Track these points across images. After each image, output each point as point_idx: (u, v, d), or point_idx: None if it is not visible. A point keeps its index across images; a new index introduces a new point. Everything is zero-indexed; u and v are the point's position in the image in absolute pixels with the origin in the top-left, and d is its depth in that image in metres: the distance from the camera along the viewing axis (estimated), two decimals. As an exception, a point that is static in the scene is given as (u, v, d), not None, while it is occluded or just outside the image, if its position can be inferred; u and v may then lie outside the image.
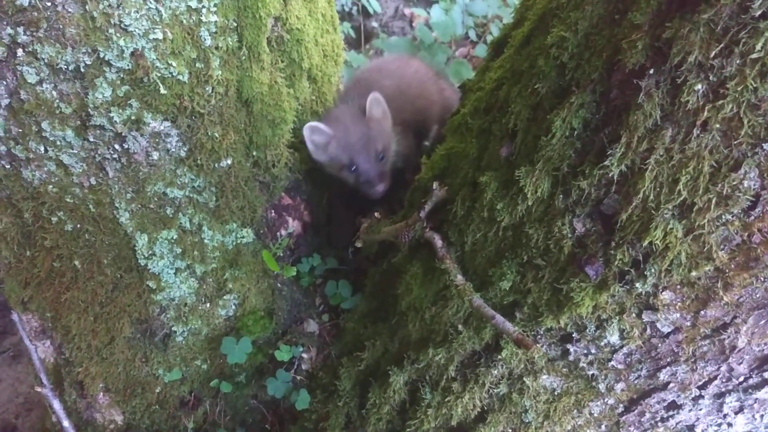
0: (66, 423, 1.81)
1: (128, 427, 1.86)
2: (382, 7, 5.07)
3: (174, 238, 1.53)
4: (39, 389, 1.83)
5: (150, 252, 1.54)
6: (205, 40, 1.31)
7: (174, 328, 1.68)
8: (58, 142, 1.35)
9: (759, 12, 0.76)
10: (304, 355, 1.77)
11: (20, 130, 1.34)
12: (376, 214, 1.61)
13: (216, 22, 1.30)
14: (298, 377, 1.77)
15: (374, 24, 5.03)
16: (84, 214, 1.48)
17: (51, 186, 1.43)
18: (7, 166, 1.42)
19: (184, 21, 1.27)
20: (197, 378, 1.79)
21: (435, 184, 1.38)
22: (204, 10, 1.27)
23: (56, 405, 1.81)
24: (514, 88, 1.17)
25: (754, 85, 0.80)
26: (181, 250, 1.56)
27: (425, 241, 1.39)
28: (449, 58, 3.76)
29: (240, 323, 1.71)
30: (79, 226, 1.50)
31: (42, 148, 1.36)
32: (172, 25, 1.26)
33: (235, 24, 1.34)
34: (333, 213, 1.88)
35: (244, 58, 1.39)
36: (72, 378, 1.81)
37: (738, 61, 0.80)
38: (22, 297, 1.71)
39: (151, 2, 1.21)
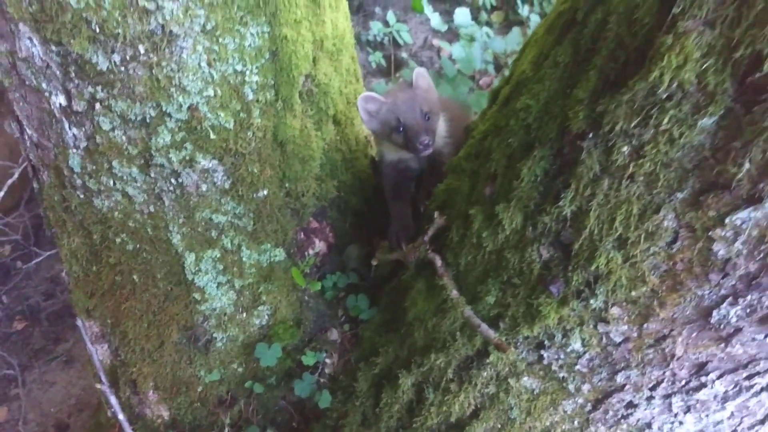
0: (121, 416, 2.09)
1: (173, 421, 2.11)
2: (412, 38, 5.34)
3: (217, 256, 1.81)
4: (99, 386, 2.12)
5: (197, 268, 1.81)
6: (248, 95, 1.59)
7: (215, 335, 1.94)
8: (125, 177, 1.64)
9: (665, 95, 1.01)
10: (327, 360, 2.03)
11: (94, 167, 1.64)
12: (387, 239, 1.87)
13: (257, 81, 1.58)
14: (322, 380, 2.02)
15: (404, 54, 5.29)
16: (143, 236, 1.76)
17: (117, 212, 1.72)
18: (81, 196, 1.72)
19: (231, 81, 1.55)
20: (234, 379, 2.04)
21: (436, 214, 1.63)
22: (248, 72, 1.55)
23: (113, 401, 2.10)
24: (495, 140, 1.43)
25: (665, 150, 1.04)
26: (222, 267, 1.83)
27: (428, 261, 1.64)
28: (471, 89, 4.02)
29: (272, 331, 1.97)
30: (138, 246, 1.78)
31: (111, 182, 1.65)
32: (222, 84, 1.54)
33: (272, 82, 1.61)
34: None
35: (279, 108, 1.67)
36: (126, 377, 2.08)
37: (652, 131, 1.04)
38: (87, 306, 2.00)
39: (204, 67, 1.49)
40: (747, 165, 0.95)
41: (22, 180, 3.01)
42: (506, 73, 1.65)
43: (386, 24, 5.03)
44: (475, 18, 5.19)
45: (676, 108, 0.99)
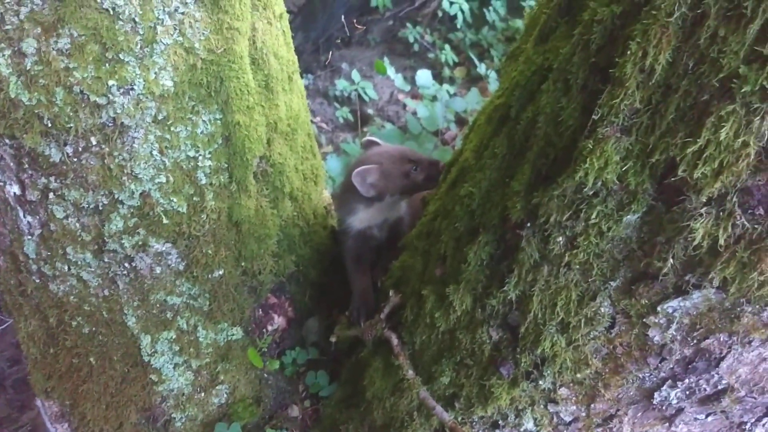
0: (80, 499, 2.05)
1: (134, 503, 2.09)
2: (377, 94, 5.44)
3: (173, 337, 1.80)
4: (57, 468, 2.08)
5: (153, 350, 1.80)
6: (201, 179, 1.61)
7: (173, 415, 1.92)
8: (79, 263, 1.64)
9: (591, 192, 1.05)
10: (289, 437, 2.02)
11: (49, 253, 1.64)
12: (347, 313, 1.88)
13: (210, 165, 1.60)
14: (284, 457, 2.01)
15: (370, 110, 5.38)
16: (98, 319, 1.75)
17: (72, 296, 1.72)
18: (37, 281, 1.71)
19: (184, 166, 1.57)
20: (194, 459, 2.02)
21: (391, 292, 1.66)
22: (200, 157, 1.58)
23: (71, 483, 2.06)
24: (444, 222, 1.46)
25: (596, 241, 1.08)
26: (179, 348, 1.82)
27: (385, 339, 1.66)
28: (435, 145, 4.10)
29: (231, 410, 1.96)
30: (94, 329, 1.77)
31: (66, 267, 1.65)
32: (174, 170, 1.56)
33: (226, 165, 1.64)
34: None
35: (234, 190, 1.69)
36: (86, 458, 2.05)
37: (583, 224, 1.08)
38: (45, 387, 1.97)
39: (156, 155, 1.52)
40: (671, 260, 0.99)
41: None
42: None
43: (352, 81, 5.13)
44: (438, 74, 5.32)
45: (602, 204, 1.04)
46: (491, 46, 5.59)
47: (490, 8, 5.49)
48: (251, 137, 1.65)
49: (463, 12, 5.33)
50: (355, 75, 5.16)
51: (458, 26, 5.52)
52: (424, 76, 4.07)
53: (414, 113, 4.20)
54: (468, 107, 3.98)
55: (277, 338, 1.99)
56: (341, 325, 1.88)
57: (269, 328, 1.98)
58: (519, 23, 5.50)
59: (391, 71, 4.10)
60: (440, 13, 5.66)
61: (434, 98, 4.16)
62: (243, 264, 1.82)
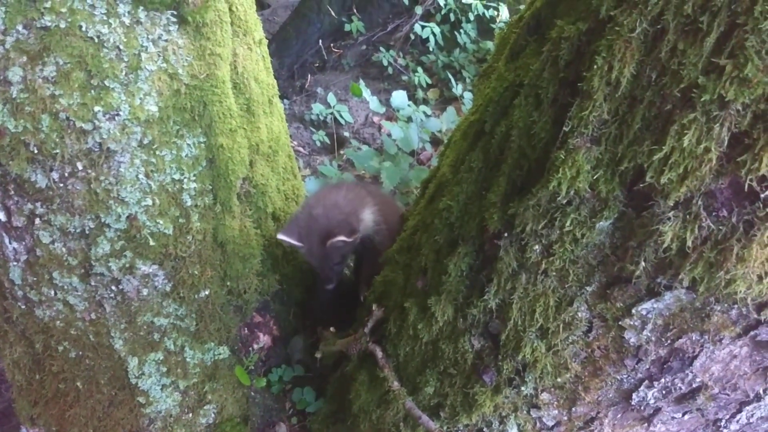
0: None
1: None
2: (353, 117, 5.50)
3: (160, 359, 1.82)
4: (43, 497, 2.07)
5: (140, 372, 1.81)
6: (186, 201, 1.64)
7: (162, 436, 1.94)
8: (66, 287, 1.66)
9: (564, 201, 1.10)
10: (277, 455, 2.03)
11: (35, 279, 1.65)
12: (331, 329, 1.91)
13: (195, 187, 1.64)
14: (272, 475, 2.02)
15: (346, 133, 5.44)
16: (85, 343, 1.76)
17: (58, 321, 1.73)
18: (23, 307, 1.72)
19: (170, 189, 1.60)
20: (183, 480, 2.03)
21: (374, 306, 1.69)
22: (185, 180, 1.61)
23: None
24: (424, 235, 1.51)
25: (571, 248, 1.13)
26: (166, 369, 1.83)
27: (369, 352, 1.69)
28: (411, 165, 4.16)
29: (219, 429, 1.97)
30: (81, 353, 1.78)
31: (52, 292, 1.67)
32: (160, 193, 1.59)
33: (210, 187, 1.67)
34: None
35: (218, 211, 1.72)
36: (73, 485, 2.04)
37: (558, 232, 1.13)
38: (31, 414, 1.97)
39: (142, 178, 1.55)
40: (642, 263, 1.04)
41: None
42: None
43: (328, 105, 5.19)
44: (412, 95, 5.40)
45: (576, 212, 1.09)
46: (463, 68, 5.69)
47: (461, 31, 5.60)
48: (234, 159, 1.69)
49: (434, 35, 5.44)
50: (331, 98, 5.23)
51: (430, 49, 5.63)
52: (399, 96, 4.14)
53: (389, 135, 4.26)
54: (443, 127, 4.05)
55: (262, 356, 2.02)
56: (326, 341, 1.90)
57: (255, 346, 2.00)
58: (489, 45, 5.61)
59: (366, 93, 4.16)
60: (413, 36, 5.77)
61: (409, 119, 4.23)
62: (228, 283, 1.85)
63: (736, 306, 1.02)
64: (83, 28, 1.37)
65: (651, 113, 0.95)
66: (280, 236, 1.92)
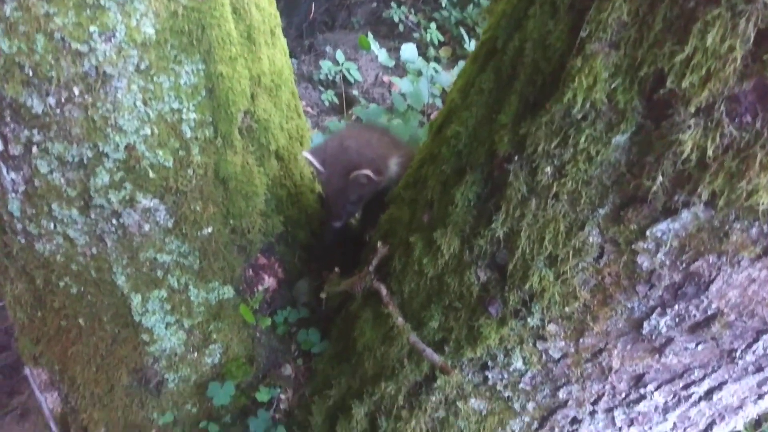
0: (71, 465, 2.04)
1: (127, 468, 2.08)
2: (362, 76, 5.42)
3: (164, 296, 1.79)
4: (48, 436, 2.08)
5: (143, 309, 1.79)
6: (186, 133, 1.60)
7: (166, 376, 1.92)
8: (65, 220, 1.62)
9: (580, 115, 1.05)
10: (282, 396, 2.01)
11: (34, 211, 1.62)
12: (336, 269, 1.88)
13: (195, 118, 1.59)
14: (277, 415, 2.00)
15: (355, 92, 5.37)
16: (87, 278, 1.74)
17: (59, 256, 1.70)
18: (23, 241, 1.70)
19: (168, 119, 1.56)
20: (188, 420, 2.01)
21: (379, 244, 1.65)
22: (184, 110, 1.56)
23: (63, 450, 2.05)
24: (430, 167, 1.46)
25: (584, 168, 1.08)
26: (170, 307, 1.81)
27: (374, 290, 1.66)
28: (421, 123, 4.09)
29: (224, 369, 1.96)
30: (82, 289, 1.76)
31: (51, 225, 1.64)
32: (159, 122, 1.54)
33: (211, 119, 1.63)
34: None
35: (219, 145, 1.68)
36: (77, 425, 2.04)
37: (571, 150, 1.08)
38: (33, 353, 1.96)
39: (140, 106, 1.50)
40: (660, 178, 0.99)
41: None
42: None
43: (336, 63, 5.10)
44: (423, 54, 5.30)
45: (591, 127, 1.04)
46: (477, 24, 5.58)
47: (476, -15, 5.49)
48: (235, 89, 1.64)
49: (448, -10, 5.32)
50: (339, 56, 5.14)
51: (443, 5, 5.52)
52: (408, 49, 4.04)
53: (400, 93, 4.18)
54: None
55: (267, 298, 1.99)
56: (331, 282, 1.87)
57: (259, 288, 1.97)
58: (504, 0, 5.49)
59: (375, 46, 4.07)
60: (425, -9, 5.66)
61: (419, 73, 4.14)
62: (231, 222, 1.81)
63: (756, 223, 0.97)
64: (78, -57, 1.32)
65: (673, 13, 0.89)
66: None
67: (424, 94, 3.86)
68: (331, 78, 5.38)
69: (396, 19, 5.68)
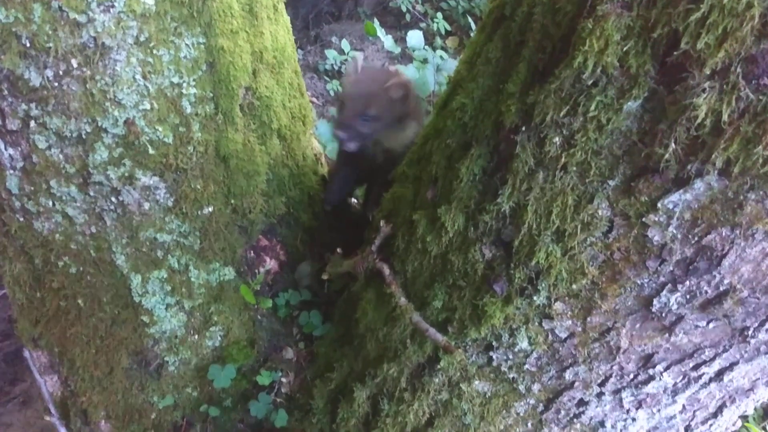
0: (71, 449, 2.02)
1: (127, 452, 2.06)
2: (368, 65, 5.38)
3: (164, 277, 1.77)
4: (48, 418, 2.06)
5: (143, 290, 1.77)
6: (186, 108, 1.57)
7: (166, 359, 1.89)
8: (64, 197, 1.60)
9: (590, 81, 1.02)
10: (283, 380, 1.99)
11: (32, 188, 1.59)
12: (338, 250, 1.85)
13: (195, 93, 1.56)
14: (278, 399, 1.97)
15: (361, 80, 5.31)
16: (86, 258, 1.72)
17: (58, 235, 1.67)
18: (21, 219, 1.67)
19: (168, 94, 1.53)
20: (188, 404, 1.98)
21: (382, 223, 1.62)
22: (185, 85, 1.53)
23: (63, 432, 2.04)
24: (435, 142, 1.43)
25: (594, 137, 1.05)
26: (170, 288, 1.79)
27: (377, 270, 1.63)
28: (427, 111, 4.05)
29: (225, 352, 1.93)
30: (81, 268, 1.73)
31: (50, 203, 1.61)
32: (158, 97, 1.52)
33: (211, 95, 1.60)
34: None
35: (220, 122, 1.65)
36: (77, 408, 2.01)
37: (581, 119, 1.05)
38: (32, 335, 1.94)
39: (140, 80, 1.47)
40: (673, 145, 0.96)
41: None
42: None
43: (342, 52, 5.06)
44: (430, 44, 5.26)
45: (602, 93, 1.00)
46: (484, 14, 5.54)
47: (483, -26, 5.44)
48: (236, 64, 1.61)
49: (455, -22, 5.27)
50: (345, 45, 5.10)
51: (451, -6, 5.47)
52: (415, 36, 3.99)
53: (406, 78, 4.13)
54: (460, 67, 3.92)
55: (269, 281, 1.96)
56: (332, 263, 1.84)
57: (261, 270, 1.94)
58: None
59: (381, 32, 4.03)
60: (432, -20, 5.62)
61: (425, 61, 4.10)
62: (232, 201, 1.78)
63: (772, 193, 0.94)
64: None
65: (688, -30, 0.86)
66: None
67: (430, 81, 3.82)
68: (336, 68, 5.34)
69: (403, 9, 5.63)
